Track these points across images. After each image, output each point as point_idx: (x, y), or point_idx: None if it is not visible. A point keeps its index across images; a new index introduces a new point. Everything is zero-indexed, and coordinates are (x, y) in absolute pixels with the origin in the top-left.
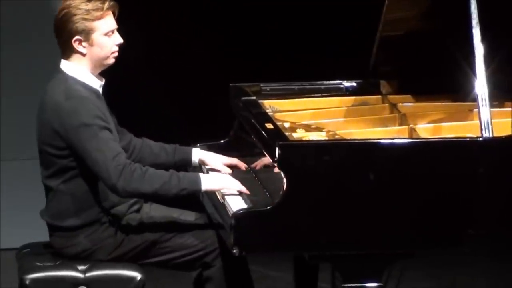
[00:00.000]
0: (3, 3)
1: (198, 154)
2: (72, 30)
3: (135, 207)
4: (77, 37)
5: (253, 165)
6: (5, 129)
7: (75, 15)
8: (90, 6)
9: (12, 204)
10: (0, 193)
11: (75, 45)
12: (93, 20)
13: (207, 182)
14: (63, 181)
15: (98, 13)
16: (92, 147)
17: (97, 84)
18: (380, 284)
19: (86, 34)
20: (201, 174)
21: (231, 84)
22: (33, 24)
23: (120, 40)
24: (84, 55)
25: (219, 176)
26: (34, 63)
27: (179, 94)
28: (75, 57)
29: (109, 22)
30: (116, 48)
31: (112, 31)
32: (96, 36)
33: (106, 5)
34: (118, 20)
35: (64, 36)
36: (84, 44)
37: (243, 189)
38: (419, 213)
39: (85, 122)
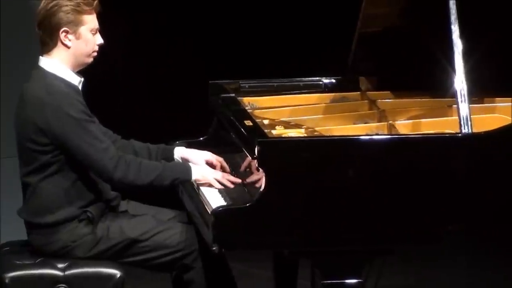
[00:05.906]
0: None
1: (180, 152)
2: (62, 20)
3: (113, 203)
4: (65, 28)
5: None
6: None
7: (66, 5)
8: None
9: None
10: None
11: (62, 36)
12: (83, 13)
13: (198, 172)
14: (43, 177)
15: (88, 8)
16: (83, 142)
17: (77, 80)
18: (360, 280)
19: (75, 26)
20: (191, 164)
21: (210, 81)
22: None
23: (101, 40)
24: (68, 48)
25: (210, 169)
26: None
27: (158, 91)
28: (57, 52)
29: (95, 20)
30: (97, 48)
31: (96, 30)
32: (83, 30)
33: (96, 2)
34: (99, 19)
35: (51, 27)
36: (70, 36)
37: (230, 184)
38: (399, 209)
39: (72, 116)
